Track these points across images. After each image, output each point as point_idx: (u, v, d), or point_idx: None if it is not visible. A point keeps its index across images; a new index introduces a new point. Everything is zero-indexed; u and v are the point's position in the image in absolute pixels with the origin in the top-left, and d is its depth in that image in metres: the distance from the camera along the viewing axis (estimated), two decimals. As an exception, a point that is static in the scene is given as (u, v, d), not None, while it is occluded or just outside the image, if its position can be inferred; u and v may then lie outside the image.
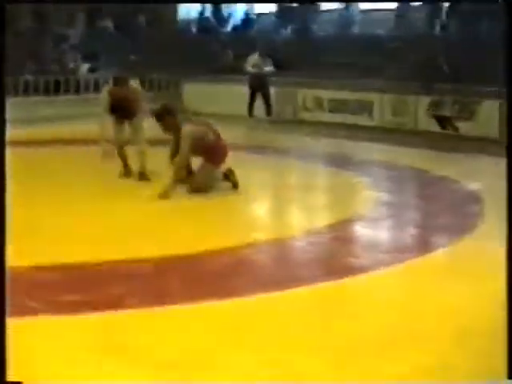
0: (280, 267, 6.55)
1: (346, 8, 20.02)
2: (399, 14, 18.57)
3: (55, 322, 5.01)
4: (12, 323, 4.61)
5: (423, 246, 7.25)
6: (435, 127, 14.73)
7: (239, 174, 9.52)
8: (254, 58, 16.71)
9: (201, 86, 19.10)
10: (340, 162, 11.89)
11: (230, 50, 20.25)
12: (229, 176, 9.52)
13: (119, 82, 10.30)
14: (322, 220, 8.28)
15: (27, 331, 4.72)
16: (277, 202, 9.86)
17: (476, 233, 7.33)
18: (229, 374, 4.14)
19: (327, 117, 16.45)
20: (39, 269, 6.07)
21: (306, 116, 16.96)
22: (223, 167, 9.55)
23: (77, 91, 18.97)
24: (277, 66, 16.85)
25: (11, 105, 17.08)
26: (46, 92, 18.90)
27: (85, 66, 19.81)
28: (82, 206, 8.53)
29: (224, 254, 6.63)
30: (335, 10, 20.41)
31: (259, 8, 22.69)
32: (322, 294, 5.66)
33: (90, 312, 5.15)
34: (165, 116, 9.52)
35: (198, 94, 18.69)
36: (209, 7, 23.35)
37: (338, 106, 16.47)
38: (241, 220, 8.48)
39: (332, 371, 4.15)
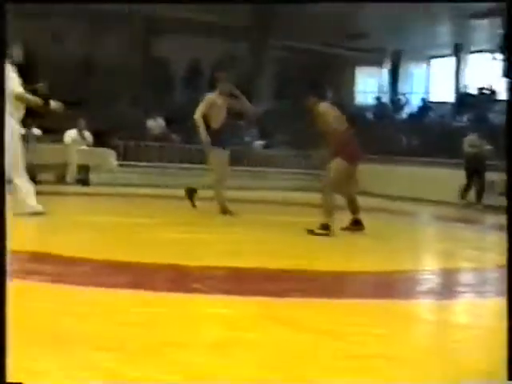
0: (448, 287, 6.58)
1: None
2: None
3: (216, 299, 5.15)
4: (175, 297, 5.11)
5: None
6: None
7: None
8: (472, 138, 16.51)
9: (375, 167, 19.38)
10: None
11: (403, 135, 20.52)
12: (358, 223, 9.24)
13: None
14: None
15: (186, 305, 4.93)
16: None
17: None
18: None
19: (498, 200, 16.05)
20: (209, 267, 6.36)
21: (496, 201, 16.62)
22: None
23: (250, 164, 19.63)
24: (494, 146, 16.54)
25: (190, 172, 18.21)
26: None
27: (258, 143, 20.59)
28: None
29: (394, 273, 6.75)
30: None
31: (435, 97, 22.97)
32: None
33: (254, 296, 5.26)
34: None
35: (372, 175, 18.97)
36: (386, 94, 23.88)
37: (508, 189, 16.12)
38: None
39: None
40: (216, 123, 10.49)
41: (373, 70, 26.00)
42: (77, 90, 23.56)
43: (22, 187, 8.82)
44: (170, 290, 5.39)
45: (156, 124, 20.77)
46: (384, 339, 4.23)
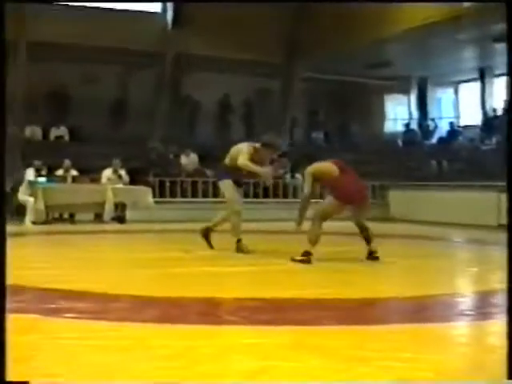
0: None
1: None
2: None
3: (249, 330, 5.31)
4: (208, 328, 5.29)
5: None
6: None
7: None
8: None
9: (406, 193, 19.55)
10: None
11: (434, 160, 20.65)
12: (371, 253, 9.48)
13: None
14: None
15: (219, 336, 5.10)
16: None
17: None
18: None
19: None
20: (241, 299, 6.56)
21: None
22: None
23: (285, 196, 19.97)
24: None
25: (223, 206, 18.49)
26: (255, 196, 19.94)
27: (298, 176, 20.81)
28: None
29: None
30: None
31: (464, 121, 23.08)
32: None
33: (286, 325, 5.44)
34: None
35: (403, 201, 19.16)
36: (414, 120, 24.03)
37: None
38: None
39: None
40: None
41: (401, 97, 26.20)
42: (111, 130, 24.04)
43: None
44: (203, 322, 5.55)
45: (189, 160, 21.08)
46: (414, 364, 4.33)
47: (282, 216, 16.82)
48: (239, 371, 4.14)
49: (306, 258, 8.98)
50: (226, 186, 10.61)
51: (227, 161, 10.60)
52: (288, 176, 20.86)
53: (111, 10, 23.85)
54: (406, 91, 26.03)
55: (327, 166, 9.25)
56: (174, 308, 6.14)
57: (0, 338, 2.67)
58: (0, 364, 2.66)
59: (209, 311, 6.11)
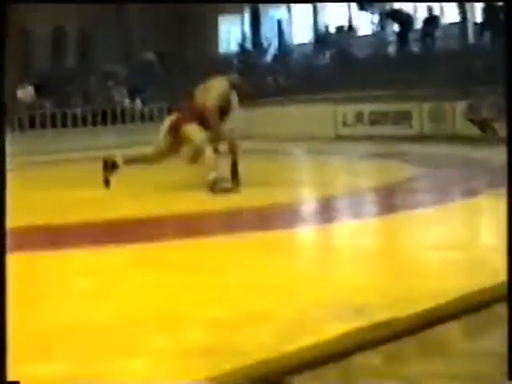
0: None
1: (381, 30, 20.55)
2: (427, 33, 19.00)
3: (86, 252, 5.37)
4: (49, 254, 5.25)
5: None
6: (474, 131, 14.79)
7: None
8: None
9: (244, 110, 19.68)
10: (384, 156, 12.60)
11: (270, 77, 20.90)
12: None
13: None
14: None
15: (61, 260, 5.11)
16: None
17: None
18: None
19: (368, 130, 16.73)
20: (81, 223, 6.57)
21: (347, 131, 17.27)
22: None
23: (123, 121, 19.83)
24: None
25: (63, 135, 18.05)
26: (94, 124, 19.65)
27: (138, 101, 20.62)
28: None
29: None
30: (371, 35, 20.97)
31: (298, 39, 23.44)
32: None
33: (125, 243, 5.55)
34: None
35: (243, 119, 19.33)
36: (248, 38, 24.16)
37: (378, 119, 16.74)
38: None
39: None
40: None
41: (234, 18, 26.15)
42: None
43: None
44: (41, 248, 5.54)
45: (26, 93, 20.49)
46: (261, 269, 4.53)
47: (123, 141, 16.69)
48: (81, 291, 4.21)
49: None
50: None
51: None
52: (127, 101, 20.67)
53: None
54: (239, 12, 25.99)
55: None
56: (13, 235, 6.03)
57: (0, 339, 2.59)
58: (0, 365, 2.59)
59: (47, 237, 6.08)
